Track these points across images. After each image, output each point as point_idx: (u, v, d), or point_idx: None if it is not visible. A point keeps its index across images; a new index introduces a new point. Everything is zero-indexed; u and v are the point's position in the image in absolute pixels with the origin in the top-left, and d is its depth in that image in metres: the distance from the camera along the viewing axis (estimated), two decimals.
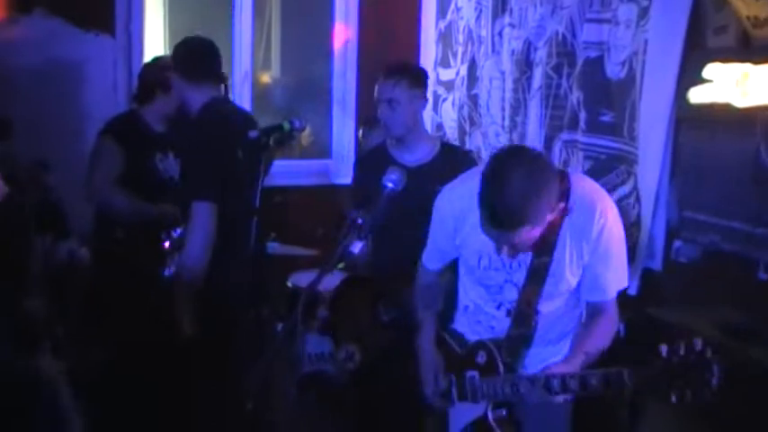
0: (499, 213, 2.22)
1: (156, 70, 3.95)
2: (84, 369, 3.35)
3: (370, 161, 3.60)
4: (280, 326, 4.11)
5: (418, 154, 3.50)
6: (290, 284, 4.80)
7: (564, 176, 2.45)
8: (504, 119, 5.02)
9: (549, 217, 2.30)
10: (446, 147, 3.65)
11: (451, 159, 3.51)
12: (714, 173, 3.32)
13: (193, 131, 3.41)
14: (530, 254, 2.46)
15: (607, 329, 2.54)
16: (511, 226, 2.23)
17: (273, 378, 3.44)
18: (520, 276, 2.54)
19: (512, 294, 2.59)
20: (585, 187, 2.51)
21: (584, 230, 2.45)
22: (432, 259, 2.86)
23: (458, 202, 2.61)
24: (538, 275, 2.49)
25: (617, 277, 2.57)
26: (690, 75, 3.39)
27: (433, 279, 2.89)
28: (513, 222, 2.22)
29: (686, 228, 3.42)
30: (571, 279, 2.52)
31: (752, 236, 3.10)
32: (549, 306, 2.58)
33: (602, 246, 2.47)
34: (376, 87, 3.51)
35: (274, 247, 4.70)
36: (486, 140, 5.17)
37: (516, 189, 2.19)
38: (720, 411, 2.78)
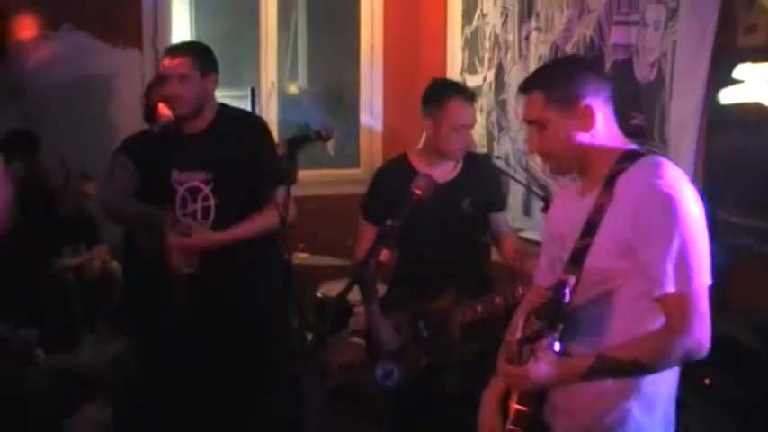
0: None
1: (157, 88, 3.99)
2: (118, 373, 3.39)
3: (392, 173, 3.47)
4: (309, 336, 4.10)
5: (445, 168, 3.44)
6: (319, 294, 4.79)
7: (633, 153, 2.18)
8: None
9: (551, 108, 2.18)
10: (467, 156, 3.51)
11: (476, 168, 3.48)
12: (747, 174, 3.27)
13: (256, 122, 3.50)
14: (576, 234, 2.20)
15: (651, 340, 2.06)
16: (520, 88, 2.27)
17: (303, 388, 3.42)
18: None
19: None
20: (651, 167, 2.12)
21: (633, 202, 2.07)
22: None
23: None
24: (577, 258, 2.17)
25: (676, 269, 2.01)
26: (720, 75, 3.35)
27: None
28: (528, 84, 2.25)
29: (719, 230, 3.37)
30: (615, 263, 2.13)
31: None
32: (590, 296, 2.20)
33: (662, 227, 2.03)
34: (455, 110, 3.31)
35: (302, 257, 4.71)
36: (515, 146, 5.14)
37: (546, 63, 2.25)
38: (760, 416, 2.75)
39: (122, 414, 3.50)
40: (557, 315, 2.08)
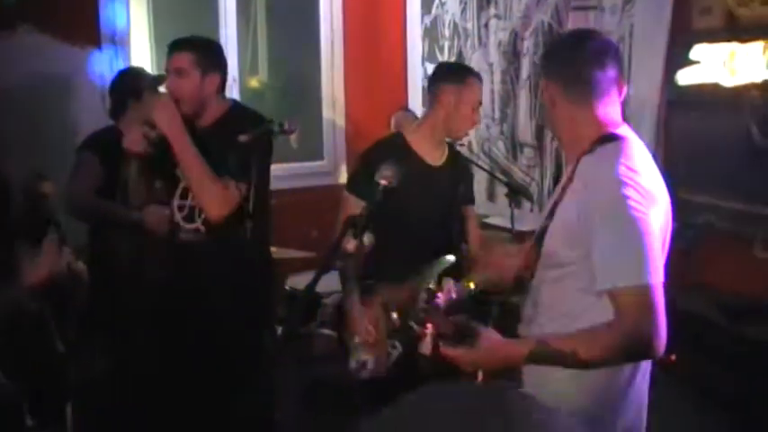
0: None
1: (127, 80, 3.94)
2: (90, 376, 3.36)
3: (388, 151, 3.32)
4: (279, 329, 4.10)
5: (438, 152, 3.41)
6: (287, 287, 4.79)
7: (607, 137, 2.15)
8: (494, 110, 5.02)
9: (551, 87, 2.21)
10: (451, 147, 3.52)
11: (456, 158, 3.48)
12: (706, 153, 3.32)
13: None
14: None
15: (598, 335, 1.95)
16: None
17: (278, 381, 3.42)
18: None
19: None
20: (614, 154, 2.08)
21: (594, 198, 2.03)
22: None
23: None
24: (539, 237, 2.19)
25: (620, 265, 1.95)
26: (677, 57, 3.40)
27: None
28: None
29: (681, 209, 3.41)
30: (565, 250, 2.12)
31: (747, 214, 3.11)
32: (545, 278, 2.21)
33: (605, 220, 1.98)
34: (476, 88, 3.32)
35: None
36: (477, 132, 5.17)
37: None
38: (722, 388, 2.80)
39: (84, 415, 3.47)
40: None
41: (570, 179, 2.15)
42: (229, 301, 3.24)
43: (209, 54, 3.23)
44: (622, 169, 2.00)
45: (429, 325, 2.32)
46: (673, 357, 2.93)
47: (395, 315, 3.23)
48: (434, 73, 3.44)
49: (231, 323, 3.24)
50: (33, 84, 5.07)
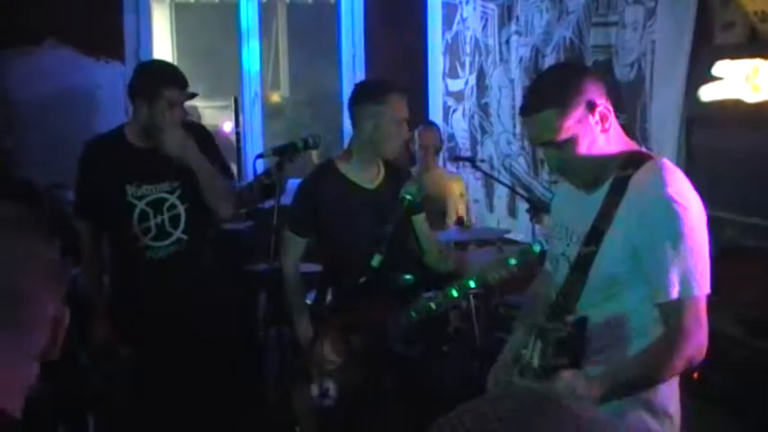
0: (524, 98, 2.26)
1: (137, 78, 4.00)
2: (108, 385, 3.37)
3: (320, 182, 3.35)
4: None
5: (370, 174, 3.30)
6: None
7: (638, 156, 2.20)
8: (515, 126, 5.03)
9: (569, 123, 2.12)
10: (387, 163, 3.39)
11: (395, 174, 3.34)
12: (728, 169, 3.31)
13: (201, 128, 3.54)
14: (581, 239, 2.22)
15: (657, 353, 2.07)
16: (526, 111, 2.20)
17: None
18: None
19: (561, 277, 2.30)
20: (657, 173, 2.15)
21: (640, 208, 2.10)
22: None
23: None
24: (582, 264, 2.19)
25: (679, 276, 2.05)
26: (699, 73, 3.39)
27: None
28: (535, 105, 2.17)
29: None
30: (617, 267, 2.16)
31: None
32: (592, 307, 2.21)
33: (659, 229, 2.07)
34: (396, 104, 3.21)
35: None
36: (498, 148, 5.18)
37: (541, 78, 2.34)
38: (745, 406, 2.78)
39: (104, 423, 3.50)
40: (579, 351, 2.11)
41: (614, 201, 2.15)
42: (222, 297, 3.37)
43: None
44: (677, 188, 2.11)
45: None
46: (695, 375, 2.92)
47: (353, 338, 3.18)
48: (352, 94, 3.33)
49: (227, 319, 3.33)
50: (58, 97, 5.13)
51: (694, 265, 2.06)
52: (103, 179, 3.27)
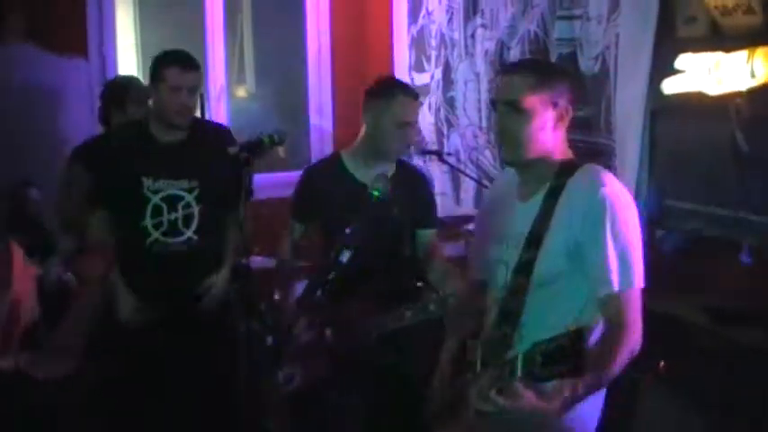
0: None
1: (113, 88, 3.98)
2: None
3: (322, 174, 3.38)
4: (270, 339, 4.10)
5: (379, 170, 3.18)
6: (276, 297, 4.78)
7: (570, 165, 2.32)
8: (481, 119, 5.05)
9: (537, 97, 2.23)
10: (403, 165, 3.40)
11: (410, 180, 3.33)
12: (692, 161, 3.36)
13: (229, 134, 3.57)
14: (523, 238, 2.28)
15: (606, 351, 2.12)
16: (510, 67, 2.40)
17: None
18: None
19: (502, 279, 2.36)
20: (594, 175, 2.27)
21: (580, 208, 2.21)
22: None
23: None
24: (523, 268, 2.26)
25: (622, 267, 2.16)
26: (662, 66, 3.44)
27: None
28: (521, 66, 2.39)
29: (668, 217, 3.45)
30: (560, 265, 2.24)
31: (734, 220, 3.14)
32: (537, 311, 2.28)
33: (600, 226, 2.16)
34: (400, 105, 3.19)
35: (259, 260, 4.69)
36: (465, 141, 5.20)
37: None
38: (711, 393, 2.82)
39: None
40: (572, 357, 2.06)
41: (551, 207, 2.24)
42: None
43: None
44: (613, 188, 2.22)
45: None
46: (661, 364, 2.97)
47: (328, 332, 3.18)
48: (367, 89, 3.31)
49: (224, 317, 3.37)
50: (22, 94, 5.07)
51: (633, 260, 2.18)
52: (122, 169, 3.28)
